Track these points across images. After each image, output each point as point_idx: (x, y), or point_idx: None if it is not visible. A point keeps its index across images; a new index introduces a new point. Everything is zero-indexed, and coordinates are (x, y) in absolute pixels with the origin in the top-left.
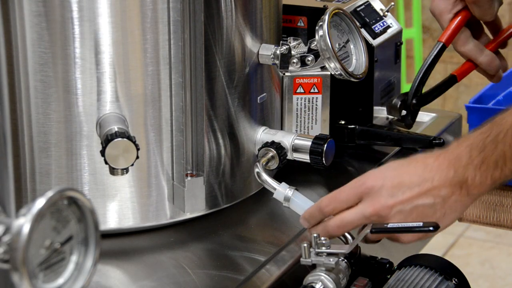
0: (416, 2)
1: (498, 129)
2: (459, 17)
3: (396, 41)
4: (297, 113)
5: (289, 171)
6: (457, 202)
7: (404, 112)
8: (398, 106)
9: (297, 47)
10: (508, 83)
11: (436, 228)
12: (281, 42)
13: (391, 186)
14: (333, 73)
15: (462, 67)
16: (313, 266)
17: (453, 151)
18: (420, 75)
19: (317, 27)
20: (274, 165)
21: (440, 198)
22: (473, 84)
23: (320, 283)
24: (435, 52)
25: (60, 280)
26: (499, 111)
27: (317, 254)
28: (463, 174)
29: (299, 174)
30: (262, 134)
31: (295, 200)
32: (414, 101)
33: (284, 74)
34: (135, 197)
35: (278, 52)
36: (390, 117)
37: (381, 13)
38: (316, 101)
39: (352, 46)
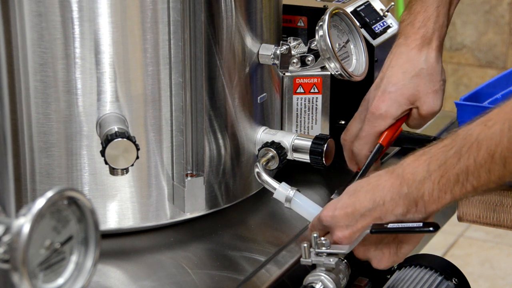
0: None
1: (462, 142)
2: (396, 124)
3: None
4: (297, 113)
5: (289, 171)
6: (414, 220)
7: None
8: None
9: (297, 47)
10: (507, 83)
11: (436, 228)
12: (281, 42)
13: (345, 216)
14: (333, 73)
15: None
16: (313, 266)
17: (408, 165)
18: (359, 174)
19: (317, 27)
20: (274, 165)
21: (394, 219)
22: (473, 84)
23: (320, 283)
24: (374, 153)
25: (60, 280)
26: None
27: (317, 254)
28: (418, 189)
29: (299, 174)
30: (262, 134)
31: (297, 201)
32: None
33: (284, 74)
34: (135, 197)
35: (278, 52)
36: None
37: (381, 13)
38: (316, 101)
39: (352, 46)
